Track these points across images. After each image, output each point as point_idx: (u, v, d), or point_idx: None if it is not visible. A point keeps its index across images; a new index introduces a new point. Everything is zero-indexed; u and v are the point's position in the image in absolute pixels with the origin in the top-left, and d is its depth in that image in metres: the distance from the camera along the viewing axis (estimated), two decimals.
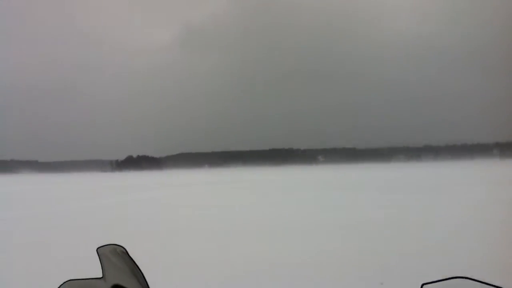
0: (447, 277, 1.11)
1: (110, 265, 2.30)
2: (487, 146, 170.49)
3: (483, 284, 1.19)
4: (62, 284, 2.30)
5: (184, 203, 20.70)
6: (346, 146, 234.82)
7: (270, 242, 9.44)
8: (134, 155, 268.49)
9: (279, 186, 34.29)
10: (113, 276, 2.29)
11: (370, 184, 32.70)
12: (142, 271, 2.19)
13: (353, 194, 23.08)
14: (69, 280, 2.34)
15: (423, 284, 1.23)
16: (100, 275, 2.35)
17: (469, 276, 1.07)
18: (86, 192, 33.95)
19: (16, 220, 15.30)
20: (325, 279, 6.35)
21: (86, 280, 2.34)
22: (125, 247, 2.22)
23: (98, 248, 2.31)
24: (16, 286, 6.00)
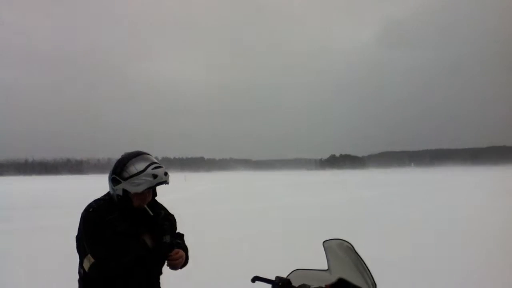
0: None
1: (336, 258, 2.38)
2: None
3: None
4: (291, 272, 2.49)
5: (391, 202, 20.03)
6: None
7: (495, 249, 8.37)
8: (337, 154, 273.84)
9: (503, 187, 30.08)
10: (338, 269, 2.36)
11: None
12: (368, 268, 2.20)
13: None
14: (297, 269, 2.51)
15: None
16: (325, 268, 2.46)
17: None
18: (296, 188, 36.10)
19: (231, 212, 17.29)
20: None
21: (313, 271, 2.48)
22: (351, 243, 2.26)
23: (324, 242, 2.42)
24: (248, 269, 6.74)
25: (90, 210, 2.38)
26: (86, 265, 2.29)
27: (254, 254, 8.38)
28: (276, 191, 32.15)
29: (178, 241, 2.60)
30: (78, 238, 2.39)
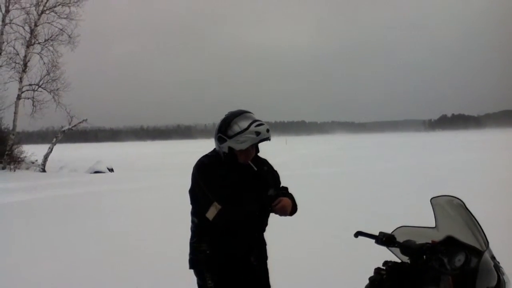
0: None
1: (445, 216, 2.28)
2: None
3: None
4: (396, 229, 2.45)
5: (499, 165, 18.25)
6: None
7: None
8: (449, 114, 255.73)
9: None
10: (447, 227, 2.26)
11: None
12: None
13: None
14: (402, 226, 2.46)
15: None
16: (433, 225, 2.37)
17: None
18: (399, 151, 34.59)
19: (332, 174, 17.18)
20: None
21: (418, 228, 2.40)
22: (463, 200, 2.14)
23: (432, 198, 2.33)
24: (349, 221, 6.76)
25: (204, 164, 2.56)
26: (212, 212, 2.43)
27: (354, 214, 8.36)
28: (376, 153, 31.20)
29: (283, 191, 2.70)
30: (192, 191, 2.59)
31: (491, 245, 2.00)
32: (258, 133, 2.45)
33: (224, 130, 2.51)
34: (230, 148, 2.51)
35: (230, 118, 2.52)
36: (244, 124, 2.47)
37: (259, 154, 2.71)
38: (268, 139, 2.50)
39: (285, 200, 2.55)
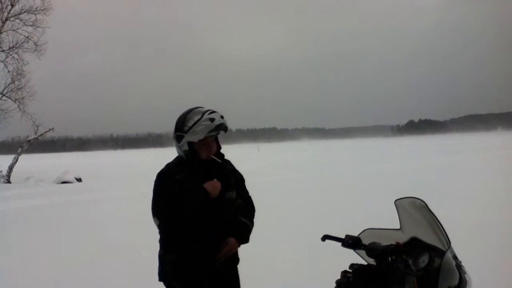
0: None
1: (409, 217, 2.32)
2: None
3: None
4: (362, 232, 2.47)
5: (480, 168, 18.84)
6: None
7: None
8: (416, 119, 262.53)
9: None
10: (411, 228, 2.30)
11: None
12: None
13: None
14: (368, 229, 2.49)
15: None
16: (398, 227, 2.41)
17: None
18: (368, 156, 35.21)
19: (307, 179, 17.31)
20: None
21: (384, 230, 2.44)
22: (425, 201, 2.18)
23: (396, 200, 2.36)
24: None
25: (159, 175, 2.55)
26: (156, 224, 2.47)
27: (321, 218, 8.40)
28: (344, 159, 31.68)
29: (242, 219, 2.70)
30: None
31: (453, 245, 2.05)
32: (212, 119, 2.46)
33: (180, 127, 2.52)
34: (190, 144, 2.51)
35: (184, 115, 2.54)
36: (197, 116, 2.49)
37: (227, 158, 2.73)
38: (223, 125, 2.50)
39: (232, 244, 2.57)
